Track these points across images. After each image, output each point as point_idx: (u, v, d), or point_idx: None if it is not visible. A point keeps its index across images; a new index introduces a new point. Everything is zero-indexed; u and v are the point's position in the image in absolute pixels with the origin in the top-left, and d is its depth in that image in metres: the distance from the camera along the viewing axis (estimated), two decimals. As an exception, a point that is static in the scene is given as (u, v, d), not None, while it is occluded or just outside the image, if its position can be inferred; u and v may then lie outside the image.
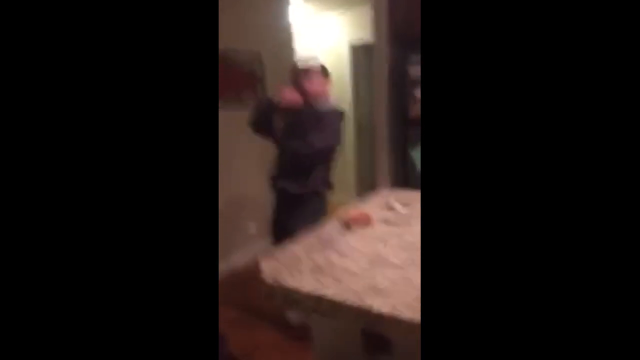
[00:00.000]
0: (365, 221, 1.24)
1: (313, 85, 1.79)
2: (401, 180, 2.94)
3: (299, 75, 1.81)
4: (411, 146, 2.74)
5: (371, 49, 3.11)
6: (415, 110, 2.63)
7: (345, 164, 4.34)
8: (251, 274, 2.67)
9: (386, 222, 1.26)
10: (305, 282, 0.86)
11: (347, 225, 1.21)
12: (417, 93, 2.60)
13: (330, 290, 0.81)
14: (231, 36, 2.75)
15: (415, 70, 2.57)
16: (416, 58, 2.56)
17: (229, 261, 2.86)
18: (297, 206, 1.84)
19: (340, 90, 4.31)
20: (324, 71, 1.84)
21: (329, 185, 1.93)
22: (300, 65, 1.85)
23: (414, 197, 1.56)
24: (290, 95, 1.74)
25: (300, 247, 1.07)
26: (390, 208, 1.41)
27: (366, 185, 4.33)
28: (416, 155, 2.71)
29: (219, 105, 2.64)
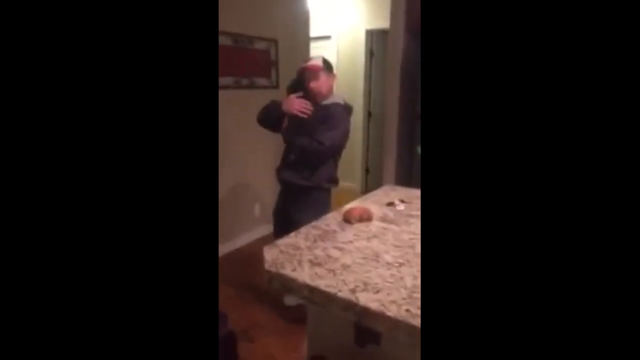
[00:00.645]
0: (367, 217, 1.28)
1: (319, 84, 1.82)
2: (407, 177, 2.97)
3: (305, 77, 1.84)
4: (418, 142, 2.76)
5: (386, 34, 3.12)
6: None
7: (353, 156, 4.37)
8: (252, 256, 2.77)
9: (385, 219, 1.32)
10: (303, 273, 0.92)
11: (349, 220, 1.26)
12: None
13: (324, 281, 0.87)
14: (248, 21, 2.77)
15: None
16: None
17: (233, 242, 2.95)
18: (302, 199, 1.87)
19: (354, 76, 4.32)
20: (328, 68, 1.86)
21: (334, 180, 1.95)
22: (304, 66, 1.86)
23: (415, 195, 1.61)
24: (299, 106, 1.77)
25: (301, 239, 1.13)
26: (391, 205, 1.46)
27: (372, 180, 4.37)
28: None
29: (232, 86, 2.71)
